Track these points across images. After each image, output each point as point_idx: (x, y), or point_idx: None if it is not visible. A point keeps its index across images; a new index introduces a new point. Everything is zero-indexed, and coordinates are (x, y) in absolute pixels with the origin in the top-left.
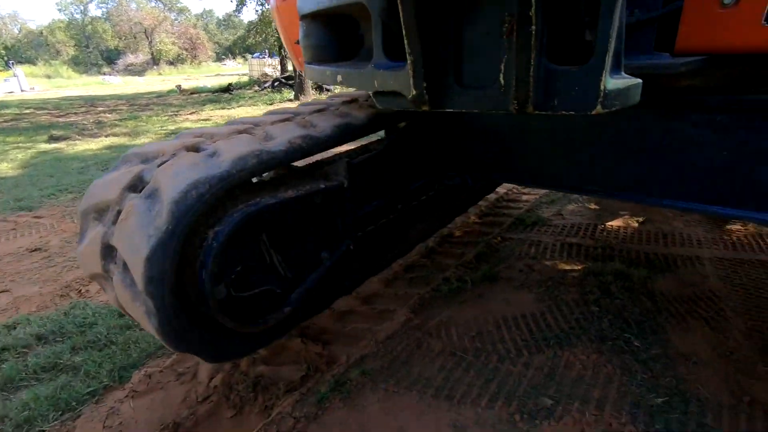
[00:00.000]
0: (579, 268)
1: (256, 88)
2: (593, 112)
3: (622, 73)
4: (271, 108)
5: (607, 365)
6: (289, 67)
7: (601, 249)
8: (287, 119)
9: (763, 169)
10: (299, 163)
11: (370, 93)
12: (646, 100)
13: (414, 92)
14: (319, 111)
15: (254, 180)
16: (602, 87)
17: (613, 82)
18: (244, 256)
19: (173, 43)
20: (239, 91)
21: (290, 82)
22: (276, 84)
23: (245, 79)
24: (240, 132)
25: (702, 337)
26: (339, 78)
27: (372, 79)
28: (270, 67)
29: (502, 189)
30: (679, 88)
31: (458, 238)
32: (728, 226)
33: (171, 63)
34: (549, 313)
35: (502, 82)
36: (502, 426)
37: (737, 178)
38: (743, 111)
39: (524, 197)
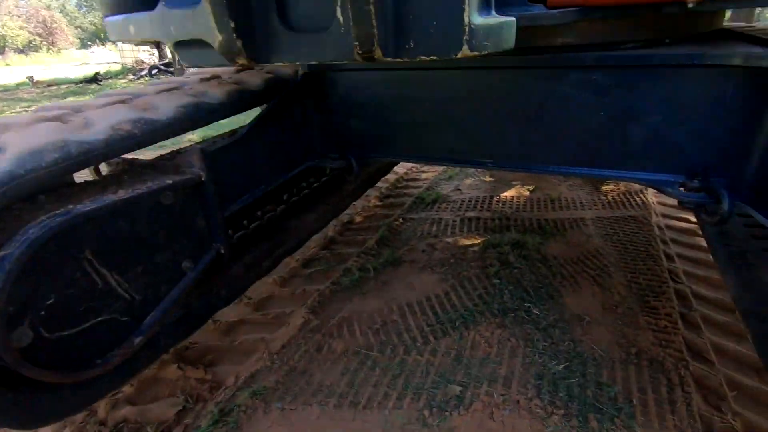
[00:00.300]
0: (479, 241)
1: (131, 77)
2: (459, 55)
3: (493, 12)
4: None
5: (510, 339)
6: (168, 54)
7: (498, 220)
8: (122, 101)
9: (636, 129)
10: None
11: (169, 46)
12: (524, 60)
13: (220, 38)
14: (168, 90)
15: (77, 180)
16: (467, 22)
17: (482, 19)
18: (59, 284)
19: (21, 28)
20: (110, 80)
21: (170, 69)
22: (154, 72)
23: (118, 67)
24: (48, 120)
25: (592, 295)
26: (131, 29)
27: (167, 24)
28: (146, 53)
29: (401, 169)
30: (556, 46)
31: (359, 224)
32: (604, 187)
33: (21, 51)
34: (453, 292)
35: (341, 19)
36: (411, 426)
37: (615, 138)
38: (617, 67)
39: (423, 175)
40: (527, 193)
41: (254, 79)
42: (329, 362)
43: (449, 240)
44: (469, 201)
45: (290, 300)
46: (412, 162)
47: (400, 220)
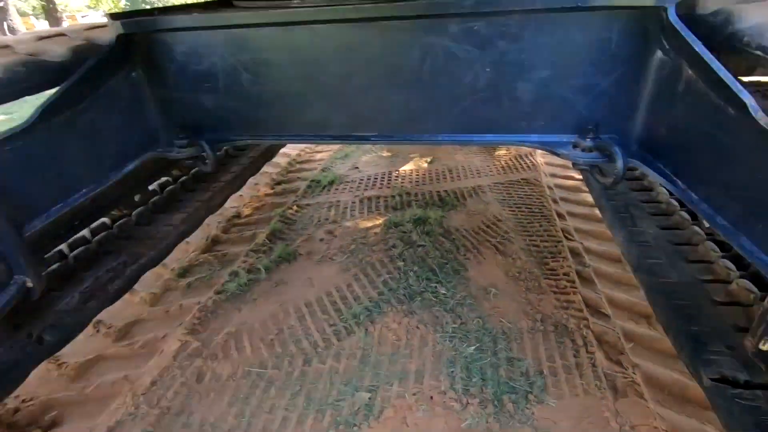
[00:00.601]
0: (380, 222)
1: None
2: None
3: None
4: None
5: (419, 326)
6: None
7: (398, 197)
8: None
9: (524, 86)
10: None
11: None
12: (398, 8)
13: None
14: None
15: None
16: None
17: None
18: None
19: None
20: None
21: None
22: None
23: None
24: None
25: (495, 264)
26: None
27: None
28: None
29: (292, 150)
30: None
31: (248, 217)
32: (497, 152)
33: None
34: (356, 283)
35: None
36: None
37: (503, 98)
38: (498, 14)
39: (318, 156)
40: (426, 165)
41: (58, 47)
42: (213, 393)
43: (349, 224)
44: (367, 179)
45: (163, 321)
46: (280, 142)
47: (295, 207)
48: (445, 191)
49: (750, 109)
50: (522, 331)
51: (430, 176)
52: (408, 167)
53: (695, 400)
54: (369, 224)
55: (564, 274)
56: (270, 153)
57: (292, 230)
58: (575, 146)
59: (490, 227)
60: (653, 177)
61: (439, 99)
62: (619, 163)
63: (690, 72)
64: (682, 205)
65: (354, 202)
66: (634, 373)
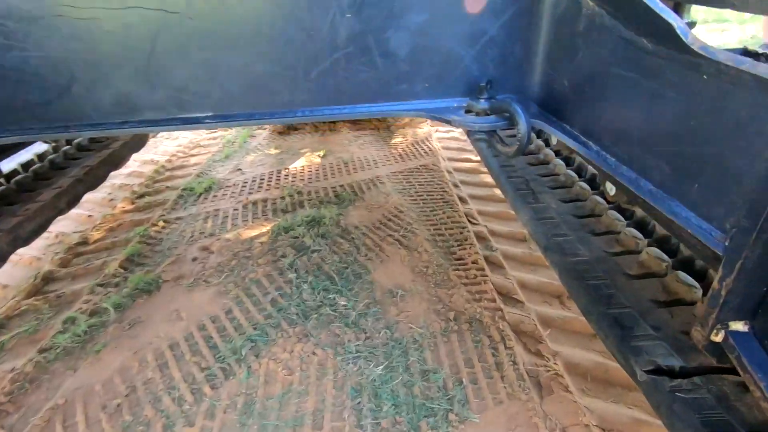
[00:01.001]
0: (268, 228)
1: None
2: None
3: None
4: None
5: (316, 351)
6: None
7: (289, 197)
8: None
9: (396, 36)
10: None
11: None
12: None
13: None
14: None
15: None
16: None
17: None
18: None
19: None
20: None
21: None
22: None
23: None
24: None
25: (400, 261)
26: None
27: None
28: None
29: (159, 156)
30: None
31: (97, 243)
32: (393, 140)
33: None
34: (237, 307)
35: None
36: None
37: (376, 56)
38: None
39: (193, 160)
40: (318, 160)
41: None
42: None
43: (230, 236)
44: (252, 181)
45: None
46: (65, 135)
47: (161, 223)
48: (341, 186)
49: (678, 33)
50: (435, 335)
51: (324, 171)
52: (299, 164)
53: (618, 381)
54: (254, 233)
55: (473, 263)
56: (113, 160)
57: (155, 252)
58: (468, 111)
59: (391, 220)
60: (563, 139)
61: (289, 60)
62: (522, 125)
63: (591, 2)
64: (580, 174)
65: (236, 209)
66: (555, 363)
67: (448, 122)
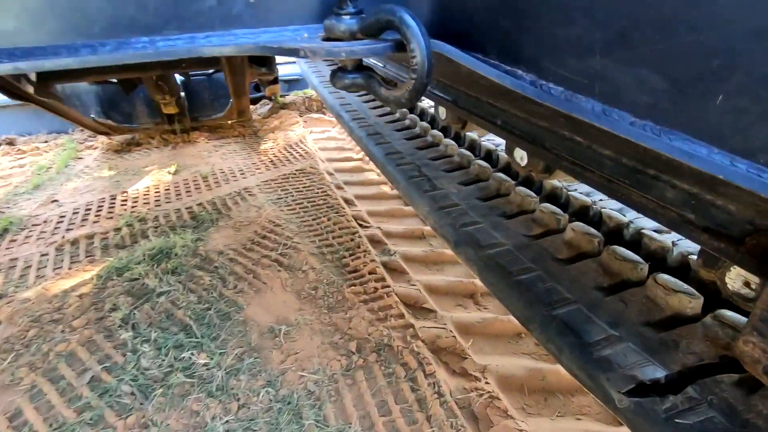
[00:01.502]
0: (92, 274)
1: None
2: None
3: None
4: None
5: None
6: None
7: (127, 228)
8: None
9: None
10: None
11: None
12: None
13: None
14: None
15: None
16: None
17: None
18: None
19: None
20: None
21: None
22: None
23: None
24: None
25: (281, 286)
26: None
27: None
28: None
29: None
30: None
31: None
32: (262, 146)
33: None
34: (31, 405)
35: None
36: None
37: None
38: None
39: None
40: (168, 177)
41: None
42: None
43: (30, 294)
44: (74, 213)
45: None
46: None
47: None
48: (200, 205)
49: None
50: (336, 378)
51: (177, 190)
52: (142, 185)
53: (557, 387)
54: (70, 284)
55: (370, 273)
56: None
57: None
58: (330, 36)
59: (266, 237)
60: (480, 69)
61: None
62: (419, 46)
63: None
64: (473, 150)
65: (45, 255)
66: (486, 381)
67: (295, 53)
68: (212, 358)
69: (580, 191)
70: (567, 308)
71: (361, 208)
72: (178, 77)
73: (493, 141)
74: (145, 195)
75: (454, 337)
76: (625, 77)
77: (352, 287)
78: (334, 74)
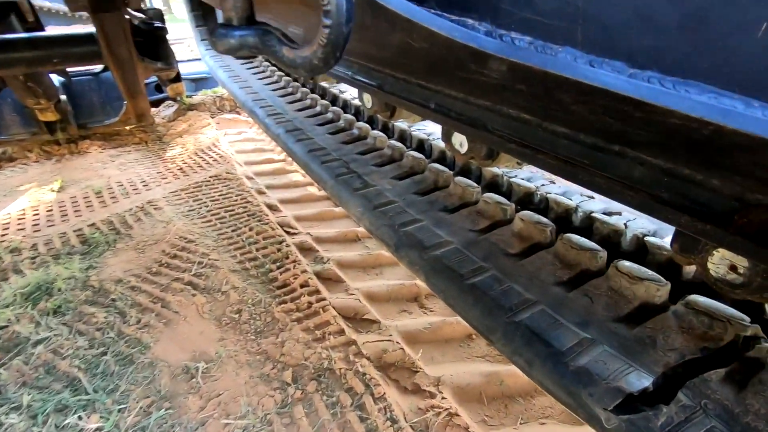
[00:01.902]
0: None
1: None
2: None
3: None
4: None
5: None
6: None
7: None
8: None
9: None
10: None
11: None
12: None
13: None
14: None
15: None
16: None
17: None
18: None
19: None
20: None
21: None
22: None
23: None
24: None
25: (198, 314)
26: None
27: None
28: None
29: None
30: None
31: None
32: (169, 152)
33: None
34: None
35: None
36: None
37: None
38: None
39: None
40: (51, 196)
41: None
42: None
43: None
44: None
45: None
46: None
47: None
48: (92, 226)
49: None
50: (270, 419)
51: (63, 210)
52: (15, 207)
53: (516, 391)
54: None
55: (302, 286)
56: None
57: None
58: None
59: (177, 257)
60: (421, 19)
61: None
62: None
63: None
64: (403, 140)
65: None
66: (443, 396)
67: None
68: (108, 419)
69: (521, 177)
70: (530, 311)
71: (287, 214)
72: (56, 78)
73: (424, 130)
74: (19, 220)
75: (402, 349)
76: (619, 13)
77: (283, 305)
78: (213, 32)
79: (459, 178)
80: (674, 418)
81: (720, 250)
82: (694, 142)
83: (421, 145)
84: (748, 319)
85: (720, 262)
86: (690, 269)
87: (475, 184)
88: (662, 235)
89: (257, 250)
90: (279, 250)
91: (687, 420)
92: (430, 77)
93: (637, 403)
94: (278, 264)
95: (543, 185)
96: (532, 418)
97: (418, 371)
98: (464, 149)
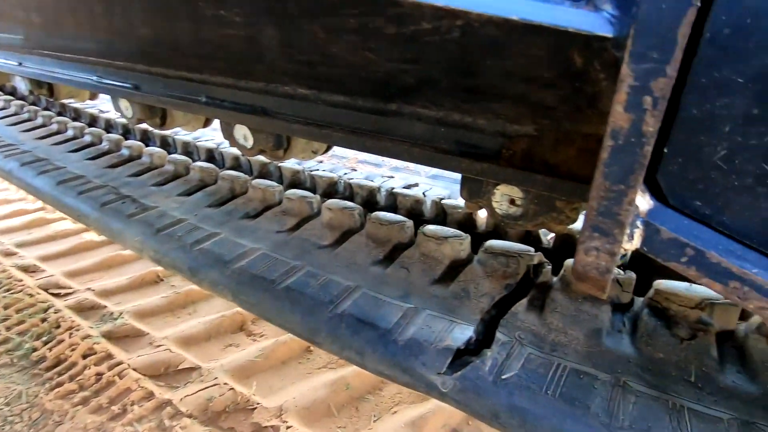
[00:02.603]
0: None
1: None
2: None
3: None
4: None
5: None
6: None
7: None
8: None
9: None
10: None
11: None
12: None
13: None
14: None
15: None
16: None
17: None
18: None
19: None
20: None
21: None
22: None
23: None
24: None
25: None
26: None
27: None
28: None
29: None
30: None
31: None
32: None
33: None
34: None
35: None
36: None
37: None
38: None
39: None
40: None
41: None
42: None
43: None
44: None
45: None
46: None
47: None
48: None
49: None
50: None
51: None
52: None
53: (363, 389)
54: None
55: (84, 356)
56: None
57: None
58: None
59: None
60: None
61: None
62: None
63: None
64: (188, 153)
65: None
66: (288, 425)
67: None
68: None
69: (324, 169)
70: (351, 299)
71: (53, 272)
72: None
73: (214, 139)
74: None
75: (232, 389)
76: None
77: (58, 389)
78: None
79: (258, 181)
80: (498, 359)
81: (499, 187)
82: (449, 52)
83: (212, 155)
84: (532, 249)
85: (501, 199)
86: (483, 220)
87: (276, 184)
88: (455, 197)
89: (7, 329)
90: (44, 320)
91: (508, 356)
92: (190, 69)
93: (466, 356)
94: (45, 338)
95: (345, 174)
96: (384, 411)
97: (255, 408)
98: (250, 142)
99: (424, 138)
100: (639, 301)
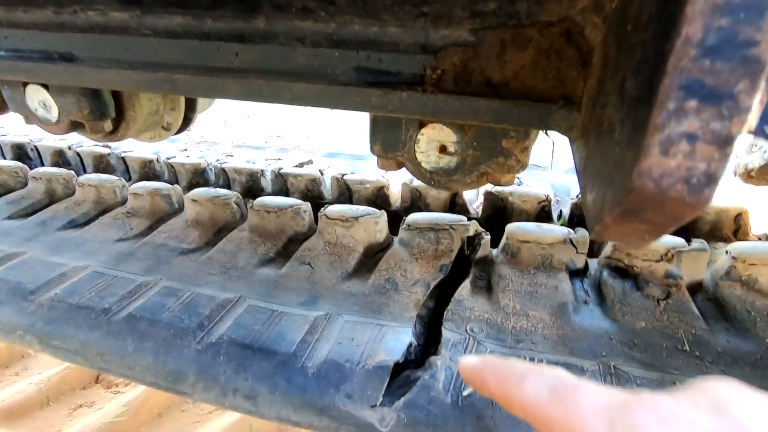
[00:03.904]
0: None
1: None
2: None
3: None
4: None
5: None
6: None
7: None
8: None
9: None
10: None
11: None
12: None
13: None
14: None
15: None
16: None
17: None
18: None
19: None
20: None
21: None
22: None
23: None
24: None
25: None
26: None
27: None
28: None
29: None
30: None
31: None
32: None
33: None
34: None
35: None
36: None
37: None
38: None
39: None
40: None
41: None
42: None
43: None
44: None
45: None
46: None
47: None
48: None
49: None
50: None
51: None
52: None
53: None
54: None
55: None
56: None
57: None
58: None
59: None
60: None
61: None
62: None
63: None
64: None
65: None
66: None
67: None
68: None
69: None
70: (232, 316)
71: None
72: None
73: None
74: None
75: None
76: None
77: None
78: None
79: (89, 176)
80: (452, 366)
81: (424, 132)
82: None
83: (23, 151)
84: (465, 218)
85: (428, 147)
86: (397, 196)
87: (116, 179)
88: (361, 172)
89: None
90: None
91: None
92: None
93: (408, 371)
94: None
95: (218, 160)
96: None
97: None
98: (54, 112)
99: (310, 68)
100: (593, 264)
